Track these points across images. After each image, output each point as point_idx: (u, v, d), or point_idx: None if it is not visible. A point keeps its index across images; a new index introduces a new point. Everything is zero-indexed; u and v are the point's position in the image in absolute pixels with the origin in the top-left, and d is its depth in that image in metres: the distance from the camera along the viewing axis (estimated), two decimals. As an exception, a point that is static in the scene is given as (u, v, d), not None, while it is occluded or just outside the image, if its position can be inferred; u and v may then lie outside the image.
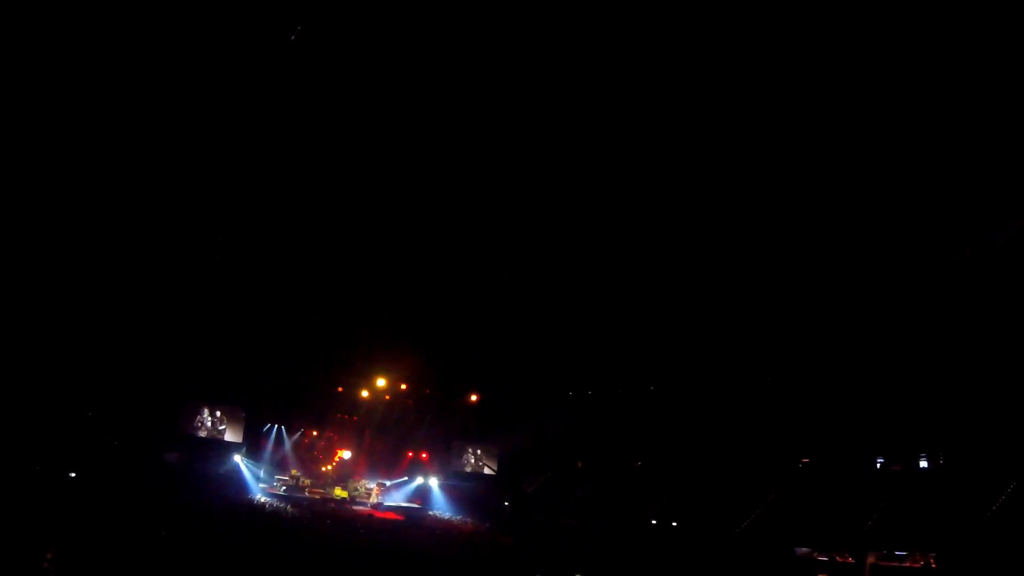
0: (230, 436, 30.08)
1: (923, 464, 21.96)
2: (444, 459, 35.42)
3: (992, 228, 15.85)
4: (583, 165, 16.86)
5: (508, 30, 13.26)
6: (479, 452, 35.98)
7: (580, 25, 12.15)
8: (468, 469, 35.73)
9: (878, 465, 23.07)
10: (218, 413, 30.03)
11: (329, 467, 34.59)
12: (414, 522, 28.85)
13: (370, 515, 29.37)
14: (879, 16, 10.46)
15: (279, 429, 33.10)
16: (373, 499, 33.04)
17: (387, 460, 35.45)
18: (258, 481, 30.95)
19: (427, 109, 15.28)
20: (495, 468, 35.73)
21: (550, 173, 17.10)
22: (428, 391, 34.18)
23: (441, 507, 33.18)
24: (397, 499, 34.06)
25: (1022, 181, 14.58)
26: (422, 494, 34.29)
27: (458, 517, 30.95)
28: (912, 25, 10.53)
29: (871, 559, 20.66)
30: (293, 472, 32.45)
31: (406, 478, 35.08)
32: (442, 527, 28.03)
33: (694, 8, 11.15)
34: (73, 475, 21.45)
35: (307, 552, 17.76)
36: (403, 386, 34.08)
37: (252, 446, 31.34)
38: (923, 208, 16.02)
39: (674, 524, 26.92)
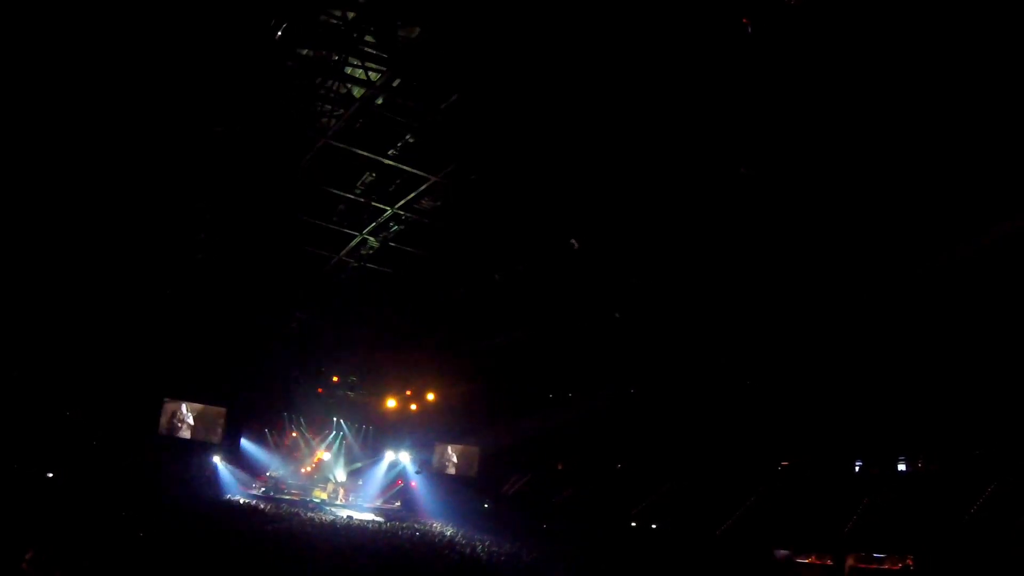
0: (209, 436, 29.80)
1: (902, 467, 22.19)
2: (424, 460, 35.38)
3: (965, 236, 15.98)
4: (568, 163, 16.84)
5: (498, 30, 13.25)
6: (458, 453, 35.95)
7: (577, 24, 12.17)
8: (448, 471, 35.71)
9: (857, 468, 23.30)
10: (197, 413, 29.76)
11: (309, 468, 34.43)
12: (394, 525, 28.80)
13: (349, 516, 29.30)
14: (878, 15, 10.57)
15: (258, 430, 32.86)
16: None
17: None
18: (237, 482, 30.73)
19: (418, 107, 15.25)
20: (475, 470, 35.70)
21: (536, 173, 17.07)
22: (408, 392, 34.06)
23: (421, 509, 33.18)
24: (376, 501, 34.08)
25: (986, 186, 14.62)
26: (403, 496, 34.28)
27: (438, 519, 30.92)
28: (911, 23, 10.65)
29: (850, 561, 20.89)
30: (272, 473, 32.24)
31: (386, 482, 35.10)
32: (422, 531, 27.98)
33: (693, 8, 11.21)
34: (51, 475, 21.19)
35: (285, 555, 17.62)
36: (384, 387, 34.01)
37: (231, 446, 31.09)
38: (895, 215, 16.12)
39: (654, 526, 27.04)
